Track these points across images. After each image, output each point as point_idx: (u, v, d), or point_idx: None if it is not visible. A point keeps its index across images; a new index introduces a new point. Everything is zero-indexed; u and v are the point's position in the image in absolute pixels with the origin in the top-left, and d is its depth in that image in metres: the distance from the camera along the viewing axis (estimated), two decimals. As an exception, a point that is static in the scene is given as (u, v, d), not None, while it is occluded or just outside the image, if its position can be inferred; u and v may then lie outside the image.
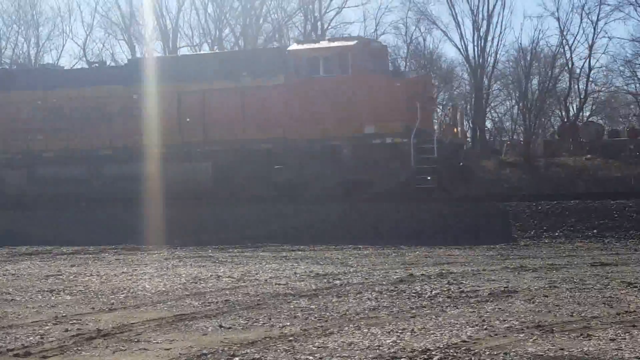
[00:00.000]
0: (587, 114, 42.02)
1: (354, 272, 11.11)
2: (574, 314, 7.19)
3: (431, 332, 6.63)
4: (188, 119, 21.09)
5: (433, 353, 5.81)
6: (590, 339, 6.13)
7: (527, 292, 8.58)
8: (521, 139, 38.38)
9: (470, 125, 37.90)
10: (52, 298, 9.24)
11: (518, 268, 10.98)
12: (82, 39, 47.36)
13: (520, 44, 42.25)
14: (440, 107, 30.77)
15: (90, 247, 16.96)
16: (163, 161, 20.84)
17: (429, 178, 19.64)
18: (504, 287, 8.96)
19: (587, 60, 38.49)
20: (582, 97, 39.61)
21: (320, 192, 19.79)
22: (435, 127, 21.92)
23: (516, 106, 40.69)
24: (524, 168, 30.28)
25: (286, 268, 11.96)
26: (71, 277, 11.31)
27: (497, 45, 38.47)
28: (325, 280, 10.19)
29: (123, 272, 11.72)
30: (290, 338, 6.53)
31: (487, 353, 5.77)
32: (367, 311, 7.73)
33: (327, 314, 7.70)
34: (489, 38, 38.05)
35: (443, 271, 10.74)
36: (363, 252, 14.54)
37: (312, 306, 8.23)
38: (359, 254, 14.21)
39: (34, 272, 12.16)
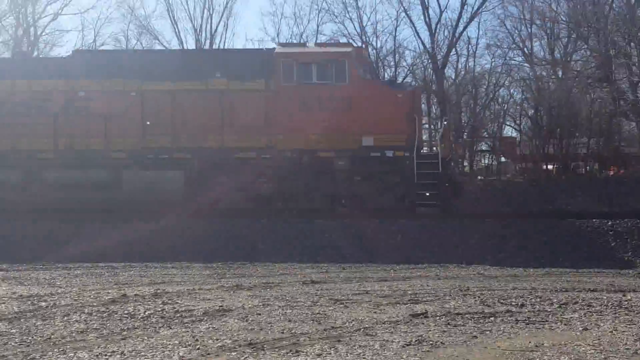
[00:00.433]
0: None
1: (62, 293, 10.51)
2: (284, 331, 7.34)
3: (142, 354, 6.47)
4: (150, 122, 18.96)
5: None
6: (298, 355, 6.33)
7: (242, 310, 8.57)
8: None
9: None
10: None
11: (234, 287, 11.00)
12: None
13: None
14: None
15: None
16: (120, 168, 18.93)
17: (427, 194, 18.87)
18: (219, 306, 8.96)
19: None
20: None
21: (308, 205, 18.76)
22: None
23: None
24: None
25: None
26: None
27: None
28: (29, 302, 9.53)
29: None
30: (-15, 365, 5.99)
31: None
32: (74, 334, 7.29)
33: (30, 338, 7.18)
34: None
35: (158, 291, 10.38)
36: (74, 272, 13.84)
37: (12, 330, 7.61)
38: (68, 274, 13.50)
39: None
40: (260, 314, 8.32)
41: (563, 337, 6.76)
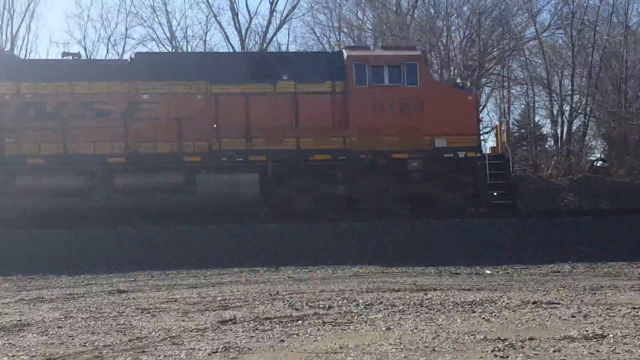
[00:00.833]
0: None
1: None
2: (87, 344, 6.95)
3: None
4: (222, 124, 18.39)
5: None
6: (101, 368, 6.13)
7: (42, 324, 8.11)
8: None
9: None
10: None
11: (34, 300, 10.41)
12: None
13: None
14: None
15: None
16: (193, 171, 18.36)
17: (495, 194, 19.11)
18: (17, 320, 8.47)
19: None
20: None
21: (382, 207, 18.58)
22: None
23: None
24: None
25: None
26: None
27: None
28: None
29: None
30: None
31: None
32: None
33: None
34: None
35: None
36: None
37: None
38: None
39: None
40: (61, 327, 7.87)
41: (367, 338, 6.91)
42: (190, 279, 13.17)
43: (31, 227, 16.90)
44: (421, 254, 16.10)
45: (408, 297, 9.68)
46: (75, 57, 20.01)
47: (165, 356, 6.31)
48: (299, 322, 7.80)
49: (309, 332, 7.27)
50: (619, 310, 8.25)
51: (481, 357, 5.99)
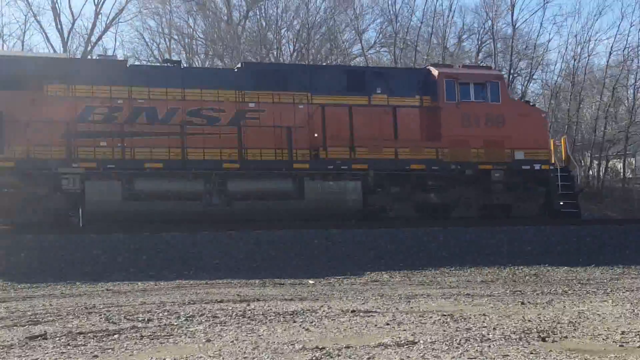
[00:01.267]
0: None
1: None
2: None
3: None
4: (327, 134, 19.44)
5: None
6: None
7: None
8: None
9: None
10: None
11: None
12: None
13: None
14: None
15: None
16: (302, 178, 19.12)
17: (561, 203, 20.89)
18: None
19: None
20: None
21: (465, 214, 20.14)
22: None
23: None
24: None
25: None
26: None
27: None
28: None
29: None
30: None
31: None
32: None
33: None
34: None
35: None
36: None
37: None
38: None
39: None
40: None
41: (186, 350, 6.82)
42: (-4, 293, 12.40)
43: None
44: (248, 265, 16.04)
45: (231, 308, 9.67)
46: (175, 65, 20.72)
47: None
48: (116, 336, 7.60)
49: (125, 346, 7.10)
50: (430, 317, 8.67)
51: (298, 366, 6.13)
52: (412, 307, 9.74)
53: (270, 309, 9.48)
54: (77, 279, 14.07)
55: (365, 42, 40.20)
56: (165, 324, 8.36)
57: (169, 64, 20.59)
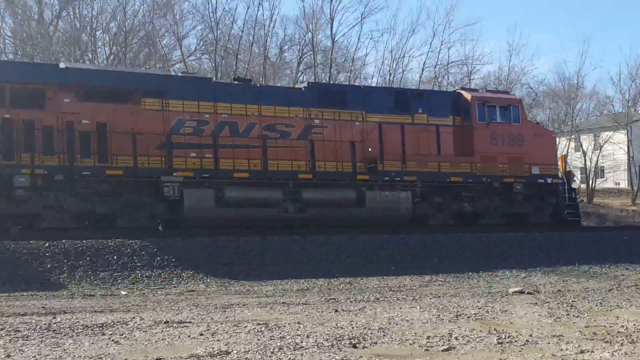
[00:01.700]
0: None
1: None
2: None
3: None
4: (383, 148, 21.56)
5: None
6: None
7: None
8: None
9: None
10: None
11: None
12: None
13: None
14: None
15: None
16: (363, 188, 21.02)
17: (566, 212, 23.90)
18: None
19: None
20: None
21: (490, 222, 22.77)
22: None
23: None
24: None
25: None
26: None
27: None
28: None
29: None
30: None
31: None
32: None
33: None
34: None
35: None
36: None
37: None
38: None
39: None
40: None
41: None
42: None
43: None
44: (49, 276, 15.19)
45: (35, 321, 9.22)
46: (245, 82, 22.35)
47: None
48: None
49: None
50: (245, 326, 8.72)
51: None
52: (227, 317, 9.76)
53: (78, 322, 9.16)
54: None
55: (185, 49, 39.86)
56: (-39, 341, 7.79)
57: (239, 81, 22.22)
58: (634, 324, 9.01)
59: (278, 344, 7.54)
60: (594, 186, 49.05)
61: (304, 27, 41.75)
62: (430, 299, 12.20)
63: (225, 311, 10.49)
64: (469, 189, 22.72)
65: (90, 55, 36.54)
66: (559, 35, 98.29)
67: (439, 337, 8.05)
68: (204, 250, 17.19)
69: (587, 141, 53.45)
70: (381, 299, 12.22)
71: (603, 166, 53.52)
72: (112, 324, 8.92)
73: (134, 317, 9.51)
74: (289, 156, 20.45)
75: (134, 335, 8.11)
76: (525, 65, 52.40)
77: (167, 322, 9.05)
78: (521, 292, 13.14)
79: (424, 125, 22.31)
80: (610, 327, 8.86)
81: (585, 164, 50.00)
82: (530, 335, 8.15)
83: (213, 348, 7.26)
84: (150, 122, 18.99)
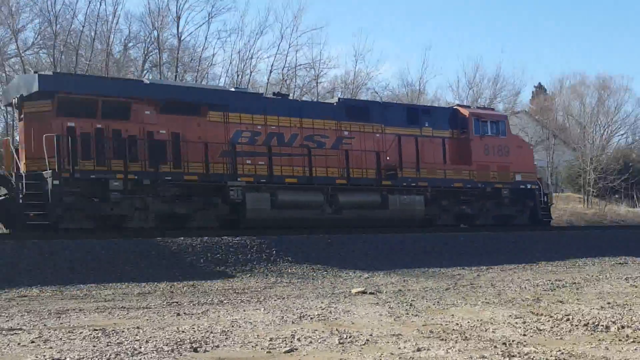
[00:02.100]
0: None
1: None
2: None
3: None
4: (401, 158, 24.37)
5: None
6: None
7: None
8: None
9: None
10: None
11: None
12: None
13: None
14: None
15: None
16: (386, 192, 23.82)
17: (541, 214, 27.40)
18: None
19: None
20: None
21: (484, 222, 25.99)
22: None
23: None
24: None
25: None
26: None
27: None
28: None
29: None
30: None
31: None
32: None
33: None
34: None
35: None
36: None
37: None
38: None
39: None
40: None
41: None
42: None
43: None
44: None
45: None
46: (283, 96, 25.02)
47: None
48: None
49: None
50: (81, 332, 8.49)
51: None
52: (62, 323, 9.46)
53: None
54: None
55: (22, 42, 36.80)
56: None
57: (278, 96, 24.37)
58: (468, 322, 9.25)
59: (115, 350, 7.32)
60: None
61: (150, 24, 39.65)
62: (275, 300, 12.16)
63: (60, 317, 10.13)
64: (467, 193, 25.52)
65: None
66: (402, 42, 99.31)
67: (281, 338, 8.08)
68: (40, 254, 16.37)
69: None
70: (225, 301, 12.10)
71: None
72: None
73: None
74: (325, 164, 22.72)
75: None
76: (371, 70, 52.74)
77: (-4, 329, 8.59)
78: (364, 293, 13.20)
79: (430, 137, 25.08)
80: (446, 325, 9.07)
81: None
82: (371, 335, 8.28)
83: (45, 356, 7.03)
84: (214, 132, 21.03)
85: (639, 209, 45.85)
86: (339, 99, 25.88)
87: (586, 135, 51.87)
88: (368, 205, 23.27)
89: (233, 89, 23.66)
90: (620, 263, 20.79)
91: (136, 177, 19.50)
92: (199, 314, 10.36)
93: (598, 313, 9.93)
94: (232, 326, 8.97)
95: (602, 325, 8.85)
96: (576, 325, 8.89)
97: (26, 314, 10.62)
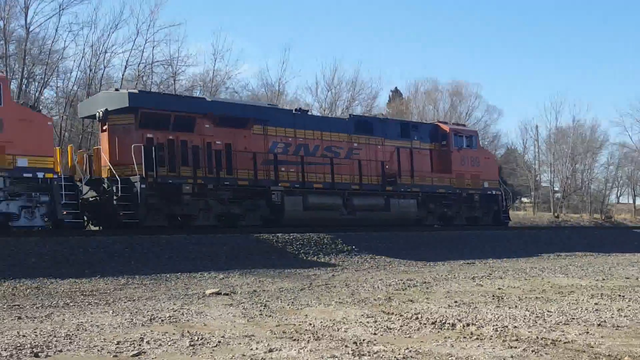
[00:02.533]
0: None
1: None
2: None
3: None
4: (399, 167, 28.28)
5: None
6: None
7: None
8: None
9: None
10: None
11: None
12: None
13: None
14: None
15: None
16: (388, 196, 27.45)
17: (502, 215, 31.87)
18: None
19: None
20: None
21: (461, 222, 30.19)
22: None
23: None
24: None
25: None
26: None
27: None
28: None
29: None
30: None
31: None
32: None
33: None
34: None
35: None
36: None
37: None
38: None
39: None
40: None
41: None
42: None
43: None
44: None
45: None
46: (304, 111, 27.80)
47: None
48: None
49: None
50: None
51: None
52: None
53: None
54: None
55: None
56: None
57: (299, 111, 27.23)
58: (321, 322, 9.31)
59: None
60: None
61: (-5, 14, 36.59)
62: (125, 302, 11.67)
63: None
64: (448, 198, 29.61)
65: None
66: (261, 42, 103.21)
67: (129, 342, 7.84)
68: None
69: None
70: (72, 304, 11.48)
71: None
72: None
73: None
74: (340, 172, 26.16)
75: None
76: (230, 70, 49.82)
77: None
78: (218, 294, 12.89)
79: (419, 149, 28.88)
80: (300, 325, 9.03)
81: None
82: (223, 336, 8.15)
83: None
84: (257, 143, 24.05)
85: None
86: (349, 115, 30.01)
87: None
88: (375, 207, 26.66)
89: (267, 105, 26.99)
90: (468, 263, 21.38)
91: (203, 182, 22.26)
92: (42, 317, 9.91)
93: (445, 311, 10.31)
94: (78, 329, 8.68)
95: (449, 323, 9.14)
96: (424, 324, 9.14)
97: None
